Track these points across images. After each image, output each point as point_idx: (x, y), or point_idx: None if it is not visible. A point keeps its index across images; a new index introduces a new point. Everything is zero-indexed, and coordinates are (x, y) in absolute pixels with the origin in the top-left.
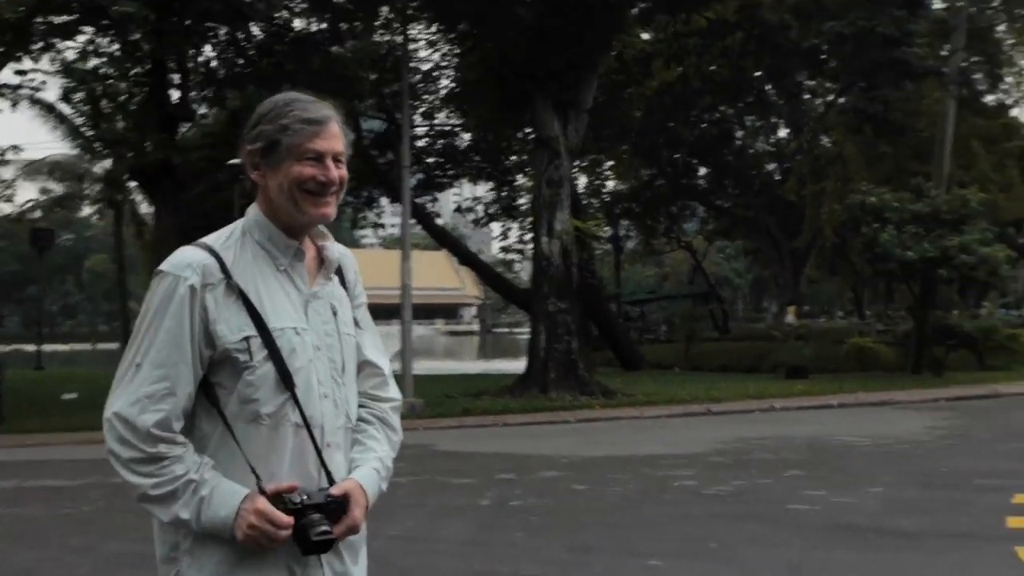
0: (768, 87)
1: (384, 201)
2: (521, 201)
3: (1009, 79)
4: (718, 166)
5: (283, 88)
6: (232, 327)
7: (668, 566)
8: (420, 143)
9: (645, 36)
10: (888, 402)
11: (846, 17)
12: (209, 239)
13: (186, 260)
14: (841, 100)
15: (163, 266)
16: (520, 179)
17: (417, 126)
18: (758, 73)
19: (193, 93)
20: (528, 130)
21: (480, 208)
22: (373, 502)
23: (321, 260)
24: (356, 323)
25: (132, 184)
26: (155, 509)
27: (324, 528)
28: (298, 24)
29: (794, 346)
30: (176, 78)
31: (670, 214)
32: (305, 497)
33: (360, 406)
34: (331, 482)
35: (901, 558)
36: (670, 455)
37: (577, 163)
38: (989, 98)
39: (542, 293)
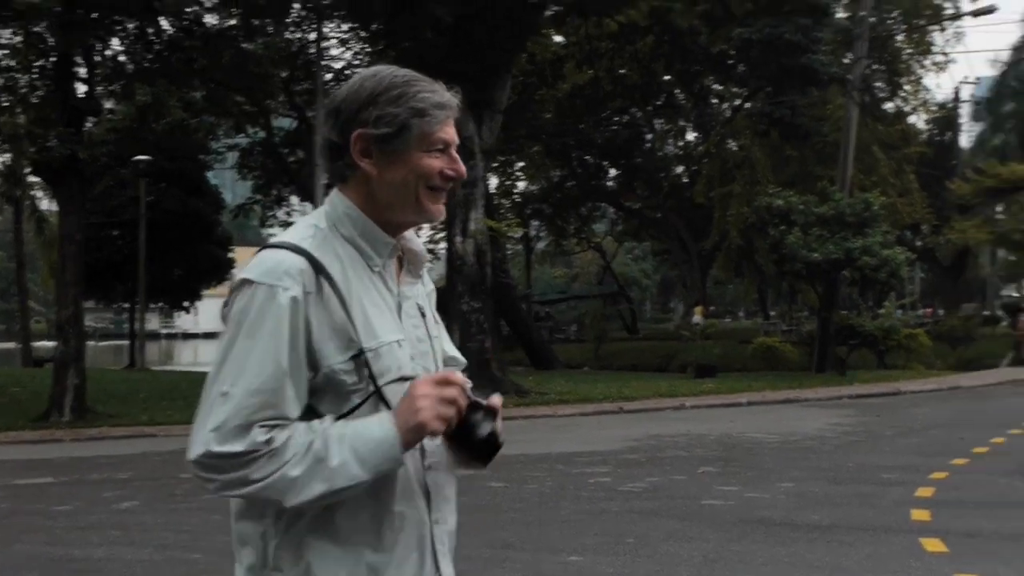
0: (677, 91)
1: (294, 200)
2: None
3: (907, 87)
4: (628, 168)
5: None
6: (338, 345)
7: (587, 562)
8: None
9: (557, 39)
10: (794, 400)
11: (754, 24)
12: (296, 237)
13: (282, 266)
14: (748, 105)
15: (251, 274)
16: None
17: None
18: (668, 77)
19: (100, 87)
20: None
21: None
22: None
23: (401, 255)
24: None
25: (34, 180)
26: (301, 491)
27: (491, 427)
28: (210, 20)
29: (703, 346)
30: (82, 72)
31: (580, 215)
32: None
33: None
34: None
35: (813, 550)
36: (585, 453)
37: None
38: (889, 105)
39: (456, 292)
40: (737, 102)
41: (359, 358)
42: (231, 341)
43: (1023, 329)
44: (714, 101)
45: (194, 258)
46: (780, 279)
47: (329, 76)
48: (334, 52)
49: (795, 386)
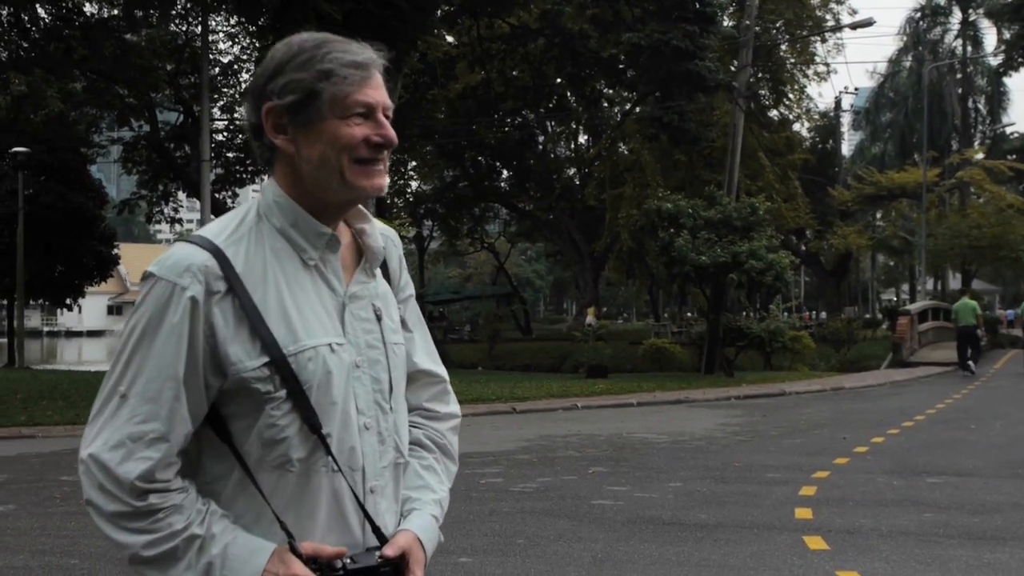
0: (569, 94)
1: (181, 196)
2: None
3: (791, 96)
4: (520, 169)
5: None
6: (249, 349)
7: (477, 562)
8: (220, 137)
9: (449, 39)
10: (684, 400)
11: (642, 29)
12: (210, 230)
13: (183, 262)
14: (638, 109)
15: (154, 268)
16: None
17: (216, 120)
18: (559, 80)
19: None
20: None
21: None
22: (430, 557)
23: (359, 250)
24: (404, 324)
25: None
26: (150, 574)
27: None
28: (90, 9)
29: (595, 347)
30: None
31: (473, 215)
32: (349, 560)
33: (413, 425)
34: (378, 536)
35: (700, 549)
36: (477, 453)
37: None
38: (773, 113)
39: None
40: (627, 106)
41: (273, 364)
42: (130, 335)
43: (902, 331)
44: (605, 105)
45: (76, 254)
46: (670, 281)
47: (216, 70)
48: (222, 46)
49: (684, 387)
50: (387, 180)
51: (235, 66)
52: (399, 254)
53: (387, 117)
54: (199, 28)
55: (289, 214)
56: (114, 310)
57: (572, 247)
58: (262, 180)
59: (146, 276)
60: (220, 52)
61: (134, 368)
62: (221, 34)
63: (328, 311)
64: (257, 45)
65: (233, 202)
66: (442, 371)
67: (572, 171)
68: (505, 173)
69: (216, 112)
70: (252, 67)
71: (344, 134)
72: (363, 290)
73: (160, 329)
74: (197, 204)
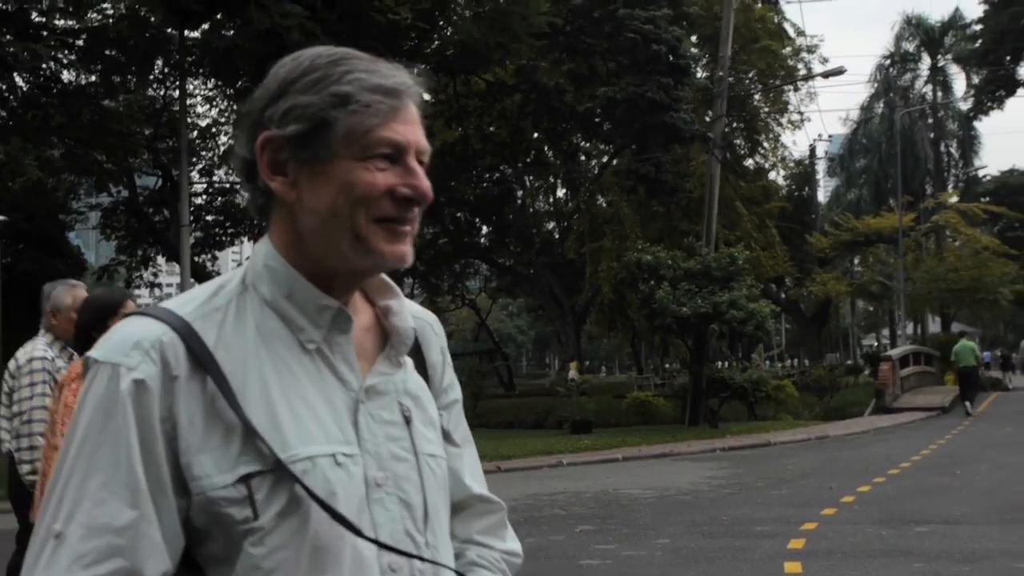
0: (546, 148)
1: (160, 260)
2: None
3: (766, 144)
4: (500, 225)
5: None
6: (220, 459)
7: None
8: (198, 201)
9: (426, 97)
10: (669, 454)
11: (618, 83)
12: (177, 301)
13: (131, 338)
14: (615, 162)
15: (93, 351)
16: None
17: (195, 183)
18: (536, 135)
19: None
20: None
21: None
22: None
23: (383, 334)
24: (447, 436)
25: None
26: None
27: None
28: (67, 76)
29: (578, 401)
30: None
31: (454, 272)
32: None
33: (459, 555)
34: None
35: None
36: None
37: None
38: (749, 162)
39: None
40: (604, 159)
41: (253, 481)
42: (66, 450)
43: (884, 377)
44: (582, 158)
45: None
46: (652, 333)
47: (194, 134)
48: (200, 109)
49: (669, 440)
50: (410, 246)
51: (213, 129)
52: (441, 345)
53: (421, 163)
54: (177, 92)
55: (283, 282)
56: None
57: (553, 301)
58: (243, 243)
59: (86, 364)
60: (198, 115)
61: (72, 492)
62: (199, 97)
63: (335, 410)
64: (235, 108)
65: (213, 266)
66: (490, 494)
67: (551, 225)
68: (485, 229)
69: (195, 175)
70: (231, 130)
71: (362, 181)
72: (386, 383)
73: (103, 431)
74: (177, 268)
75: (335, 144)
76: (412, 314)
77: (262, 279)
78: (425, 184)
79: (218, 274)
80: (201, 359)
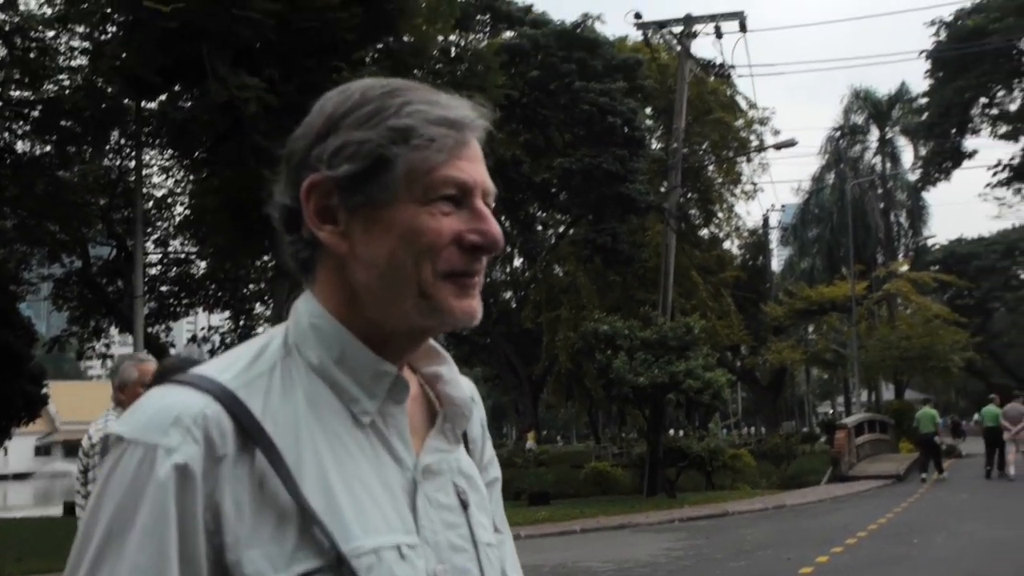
0: (503, 218)
1: (113, 331)
2: (260, 330)
3: (720, 214)
4: None
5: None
6: (273, 554)
7: None
8: (153, 271)
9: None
10: (627, 525)
11: (574, 154)
12: (215, 366)
13: (170, 413)
14: (572, 231)
15: (120, 427)
16: (259, 308)
17: (150, 254)
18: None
19: None
20: (267, 258)
21: (217, 338)
22: None
23: (428, 403)
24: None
25: None
26: None
27: None
28: (22, 147)
29: (536, 472)
30: None
31: None
32: None
33: None
34: None
35: None
36: None
37: None
38: (704, 232)
39: None
40: (561, 229)
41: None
42: (87, 539)
43: (840, 446)
44: (539, 228)
45: (4, 395)
46: (609, 403)
47: (150, 204)
48: (156, 179)
49: (627, 511)
50: (480, 301)
51: (169, 199)
52: (481, 416)
53: (488, 206)
54: (133, 163)
55: (334, 344)
56: (42, 451)
57: (510, 371)
58: (197, 313)
59: (110, 442)
60: (154, 186)
61: None
62: (155, 167)
63: (392, 493)
64: (191, 178)
65: (167, 336)
66: None
67: (508, 294)
68: None
69: (150, 246)
70: (187, 200)
71: (427, 228)
72: (442, 462)
73: (133, 524)
74: (130, 339)
75: (394, 186)
76: (467, 385)
77: (307, 341)
78: (496, 230)
79: (172, 346)
80: (251, 434)
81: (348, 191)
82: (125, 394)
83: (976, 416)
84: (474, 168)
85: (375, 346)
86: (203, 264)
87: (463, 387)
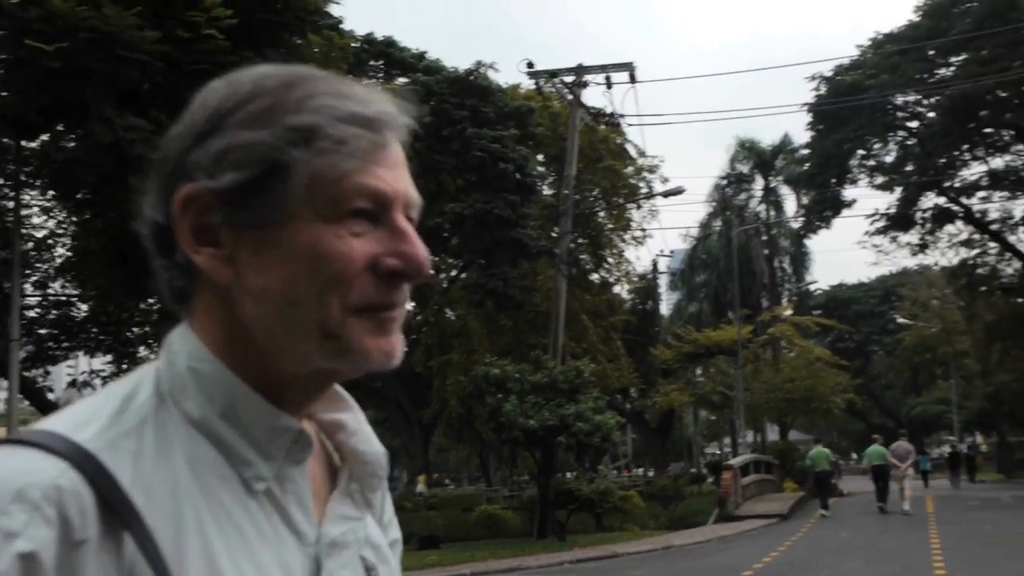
0: None
1: None
2: None
3: (610, 260)
4: None
5: None
6: None
7: None
8: (31, 314)
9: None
10: (517, 568)
11: (466, 199)
12: (69, 420)
13: (10, 485)
14: (464, 276)
15: None
16: (143, 351)
17: (28, 296)
18: None
19: None
20: (152, 301)
21: (98, 382)
22: None
23: (327, 459)
24: None
25: None
26: None
27: None
28: None
29: (426, 516)
30: None
31: None
32: None
33: None
34: None
35: None
36: None
37: None
38: (595, 276)
39: None
40: (453, 273)
41: None
42: None
43: (727, 486)
44: (431, 272)
45: None
46: (500, 446)
47: (29, 245)
48: (36, 220)
49: (518, 553)
50: (401, 336)
51: (50, 240)
52: (384, 476)
53: (412, 220)
54: (11, 204)
55: (219, 394)
56: None
57: (401, 414)
58: (77, 357)
59: None
60: (34, 226)
61: None
62: (36, 208)
63: (292, 570)
64: (74, 219)
65: (45, 380)
66: None
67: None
68: None
69: (28, 288)
70: (69, 241)
71: (336, 252)
72: (349, 533)
73: None
74: (4, 384)
75: (293, 199)
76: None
77: (186, 389)
78: (421, 251)
79: (51, 390)
80: (118, 511)
81: (233, 206)
82: None
83: (854, 456)
84: (394, 176)
85: (270, 394)
86: (84, 307)
87: (373, 440)
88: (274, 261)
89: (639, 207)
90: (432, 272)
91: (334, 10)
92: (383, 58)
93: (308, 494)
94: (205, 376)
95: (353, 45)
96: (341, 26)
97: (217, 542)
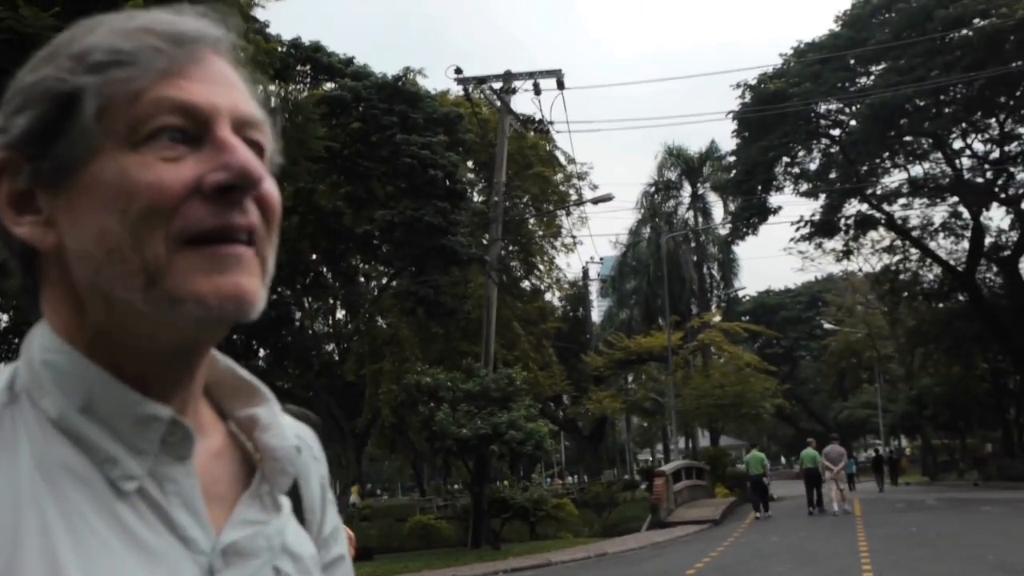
0: (325, 270)
1: None
2: None
3: (541, 267)
4: (278, 347)
5: None
6: None
7: None
8: None
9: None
10: None
11: (396, 206)
12: None
13: None
14: (394, 284)
15: None
16: None
17: None
18: (315, 256)
19: None
20: None
21: None
22: None
23: (245, 457)
24: None
25: None
26: None
27: None
28: None
29: (360, 527)
30: None
31: None
32: None
33: None
34: None
35: None
36: None
37: None
38: (526, 284)
39: None
40: (384, 280)
41: None
42: None
43: (659, 492)
44: (361, 280)
45: None
46: (433, 455)
47: None
48: None
49: (452, 563)
50: (260, 282)
51: None
52: (322, 475)
53: (255, 144)
54: None
55: (77, 386)
56: None
57: (333, 424)
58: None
59: None
60: None
61: None
62: None
63: None
64: None
65: None
66: None
67: (331, 347)
68: (262, 351)
69: None
70: None
71: (143, 182)
72: (256, 538)
73: None
74: None
75: (88, 132)
76: (294, 431)
77: (41, 385)
78: (246, 156)
79: None
80: None
81: (36, 160)
82: None
83: (782, 460)
84: (211, 91)
85: (134, 381)
86: (5, 317)
87: (286, 434)
88: (86, 209)
89: (569, 214)
90: (264, 177)
91: (260, 14)
92: (310, 63)
93: (198, 496)
94: (59, 368)
95: (279, 50)
96: (267, 31)
97: (65, 552)
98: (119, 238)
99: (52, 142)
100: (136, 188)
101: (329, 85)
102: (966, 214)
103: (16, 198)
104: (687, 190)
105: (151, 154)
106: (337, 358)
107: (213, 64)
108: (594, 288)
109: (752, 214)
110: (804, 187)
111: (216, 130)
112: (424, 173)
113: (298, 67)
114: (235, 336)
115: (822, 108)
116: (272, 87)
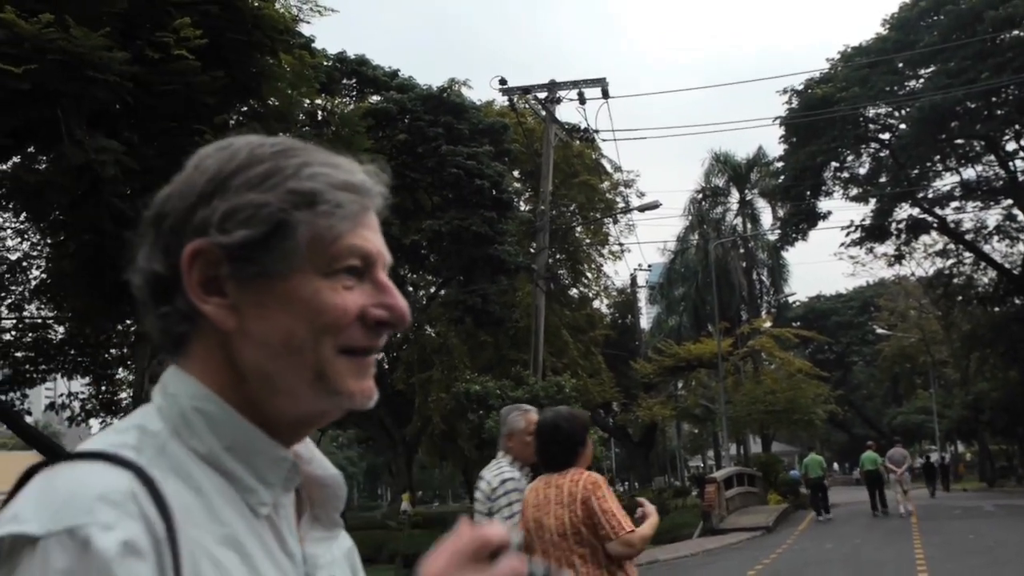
0: None
1: None
2: (122, 396)
3: (589, 274)
4: None
5: None
6: None
7: None
8: (7, 337)
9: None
10: None
11: (443, 217)
12: (112, 441)
13: (88, 491)
14: (443, 293)
15: (20, 526)
16: (121, 373)
17: (4, 318)
18: None
19: None
20: (129, 322)
21: (76, 405)
22: None
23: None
24: None
25: None
26: None
27: None
28: None
29: (411, 535)
30: None
31: None
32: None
33: None
34: None
35: None
36: None
37: None
38: (573, 291)
39: None
40: (432, 290)
41: None
42: None
43: (711, 499)
44: (410, 289)
45: None
46: (483, 463)
47: (3, 268)
48: (10, 243)
49: None
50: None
51: (24, 263)
52: (343, 492)
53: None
54: None
55: (225, 431)
56: None
57: (383, 432)
58: (55, 379)
59: (1, 553)
60: (8, 249)
61: None
62: (9, 230)
63: None
64: (48, 241)
65: (23, 403)
66: None
67: (380, 356)
68: None
69: (3, 311)
70: (43, 263)
71: (332, 304)
72: (327, 553)
73: None
74: None
75: (295, 255)
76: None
77: (192, 427)
78: (403, 304)
79: (29, 413)
80: (168, 523)
81: (240, 260)
82: (513, 442)
83: (836, 466)
84: (376, 237)
85: (266, 431)
86: (61, 329)
87: (328, 465)
88: (276, 311)
89: (616, 222)
90: (409, 320)
91: (305, 29)
92: (355, 76)
93: (293, 519)
94: (212, 416)
95: (325, 64)
96: (313, 45)
97: (228, 564)
98: (303, 340)
99: (261, 254)
100: (326, 307)
101: (375, 98)
102: (1021, 216)
103: (206, 282)
104: (735, 196)
105: (338, 283)
106: (387, 367)
107: (373, 214)
108: (643, 295)
109: (801, 219)
110: (854, 192)
111: (377, 272)
112: (470, 183)
113: (344, 80)
114: None
115: (871, 112)
116: (319, 100)
